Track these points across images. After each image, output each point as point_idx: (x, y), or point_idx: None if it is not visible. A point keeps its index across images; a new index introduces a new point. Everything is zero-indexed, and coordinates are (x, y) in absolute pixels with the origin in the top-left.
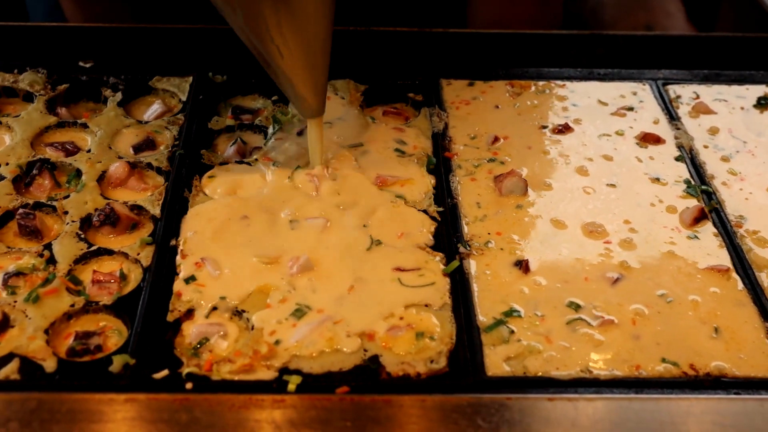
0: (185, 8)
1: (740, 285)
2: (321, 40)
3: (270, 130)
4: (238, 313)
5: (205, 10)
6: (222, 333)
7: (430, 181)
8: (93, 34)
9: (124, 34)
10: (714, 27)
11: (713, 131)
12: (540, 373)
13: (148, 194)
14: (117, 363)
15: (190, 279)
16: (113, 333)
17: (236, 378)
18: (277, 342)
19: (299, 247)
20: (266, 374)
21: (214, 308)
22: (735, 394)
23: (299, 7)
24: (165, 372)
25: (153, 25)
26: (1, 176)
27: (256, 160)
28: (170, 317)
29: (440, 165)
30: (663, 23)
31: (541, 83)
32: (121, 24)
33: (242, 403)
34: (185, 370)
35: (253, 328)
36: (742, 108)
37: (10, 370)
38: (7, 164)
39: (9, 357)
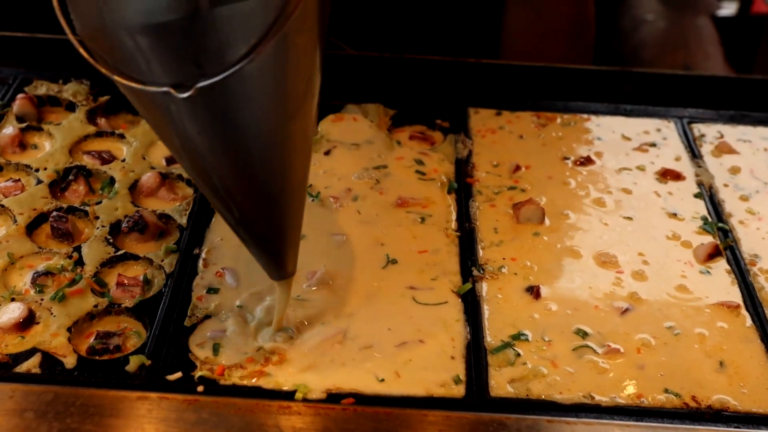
0: None
1: (749, 321)
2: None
3: None
4: (253, 321)
5: None
6: (236, 340)
7: (451, 204)
8: None
9: None
10: (752, 69)
11: (734, 170)
12: (543, 397)
13: (176, 204)
14: (133, 363)
15: (209, 287)
16: (133, 334)
17: (247, 383)
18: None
19: (317, 262)
20: (275, 382)
21: (231, 316)
22: (735, 427)
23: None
24: (178, 374)
25: None
26: (39, 180)
27: None
28: (188, 322)
29: (461, 190)
30: (701, 64)
31: (566, 116)
32: None
33: (249, 407)
34: (198, 373)
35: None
36: (766, 149)
37: (32, 364)
38: (45, 169)
39: (32, 351)
